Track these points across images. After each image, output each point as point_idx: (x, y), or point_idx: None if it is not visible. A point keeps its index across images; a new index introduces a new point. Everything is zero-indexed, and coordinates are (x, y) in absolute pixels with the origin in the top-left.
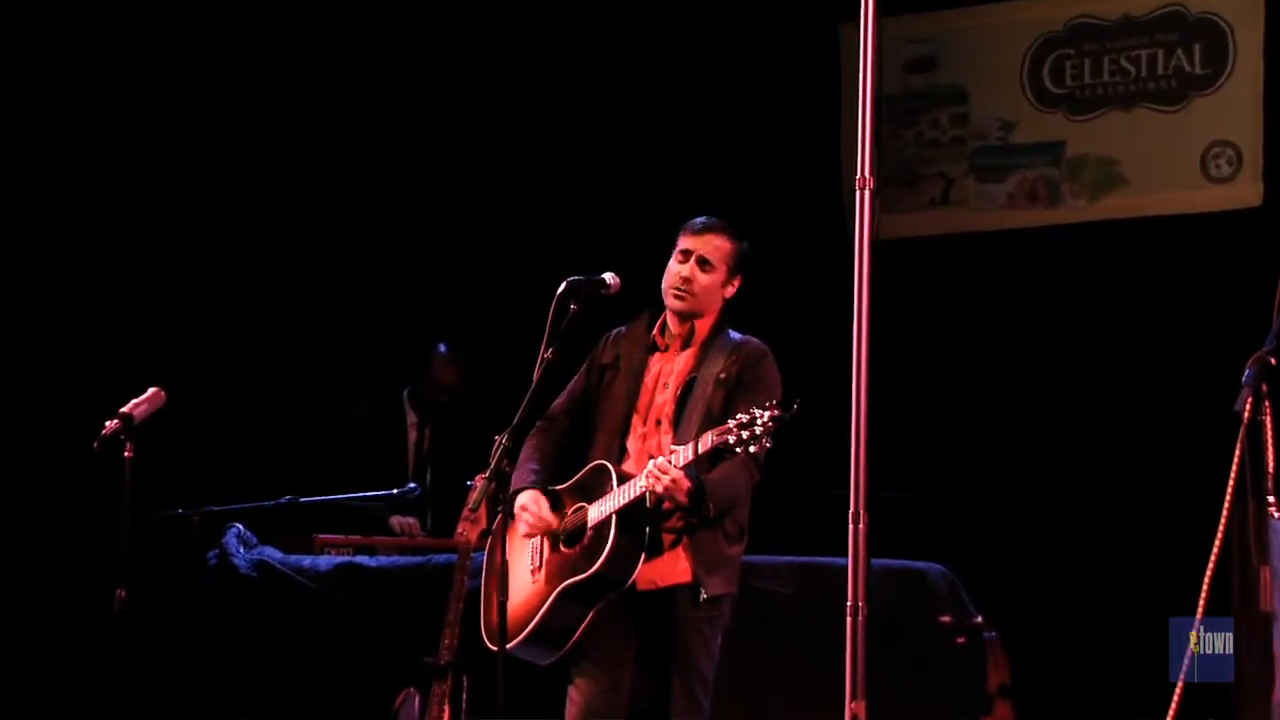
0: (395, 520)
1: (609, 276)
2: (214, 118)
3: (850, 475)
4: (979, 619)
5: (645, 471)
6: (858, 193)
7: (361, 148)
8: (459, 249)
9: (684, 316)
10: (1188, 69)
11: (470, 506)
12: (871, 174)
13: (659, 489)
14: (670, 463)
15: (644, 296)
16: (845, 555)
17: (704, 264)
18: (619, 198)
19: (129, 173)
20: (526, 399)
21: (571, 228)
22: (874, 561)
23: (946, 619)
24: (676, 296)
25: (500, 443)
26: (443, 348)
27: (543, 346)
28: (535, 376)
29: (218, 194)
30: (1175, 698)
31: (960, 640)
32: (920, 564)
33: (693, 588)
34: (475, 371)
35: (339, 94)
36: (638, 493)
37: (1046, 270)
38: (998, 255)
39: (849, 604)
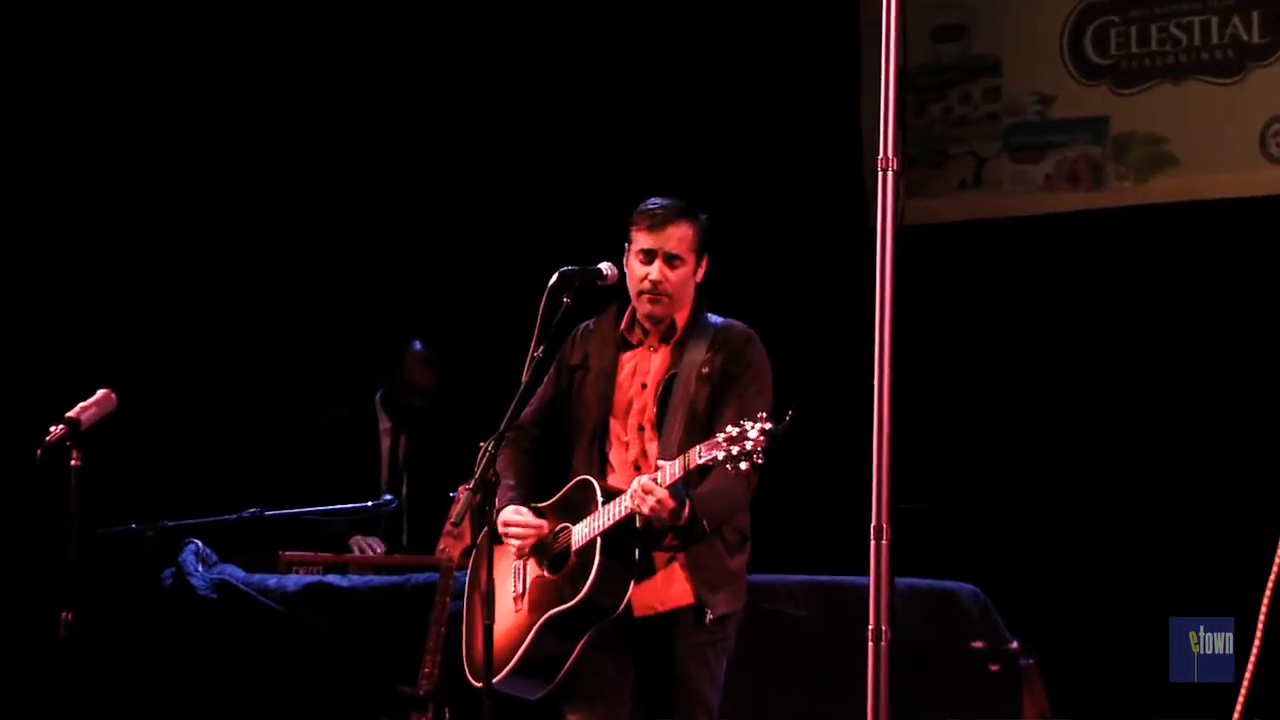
0: (356, 541)
1: (606, 267)
2: (168, 107)
3: (872, 485)
4: (1015, 644)
5: (630, 491)
6: (880, 175)
7: (327, 127)
8: (436, 235)
9: (660, 318)
10: (1245, 38)
11: (452, 520)
12: (895, 154)
13: (645, 510)
14: (656, 481)
15: None
16: (866, 574)
17: (672, 260)
18: (617, 182)
19: (78, 160)
20: (514, 402)
21: (566, 213)
22: (898, 581)
23: (979, 644)
24: (652, 303)
25: (485, 450)
26: (418, 345)
27: (532, 344)
28: (524, 378)
29: (172, 181)
30: (1239, 704)
31: (994, 668)
32: (949, 583)
33: (696, 609)
34: (455, 372)
35: (302, 76)
36: (624, 513)
37: (1088, 259)
38: (1034, 242)
39: (870, 628)
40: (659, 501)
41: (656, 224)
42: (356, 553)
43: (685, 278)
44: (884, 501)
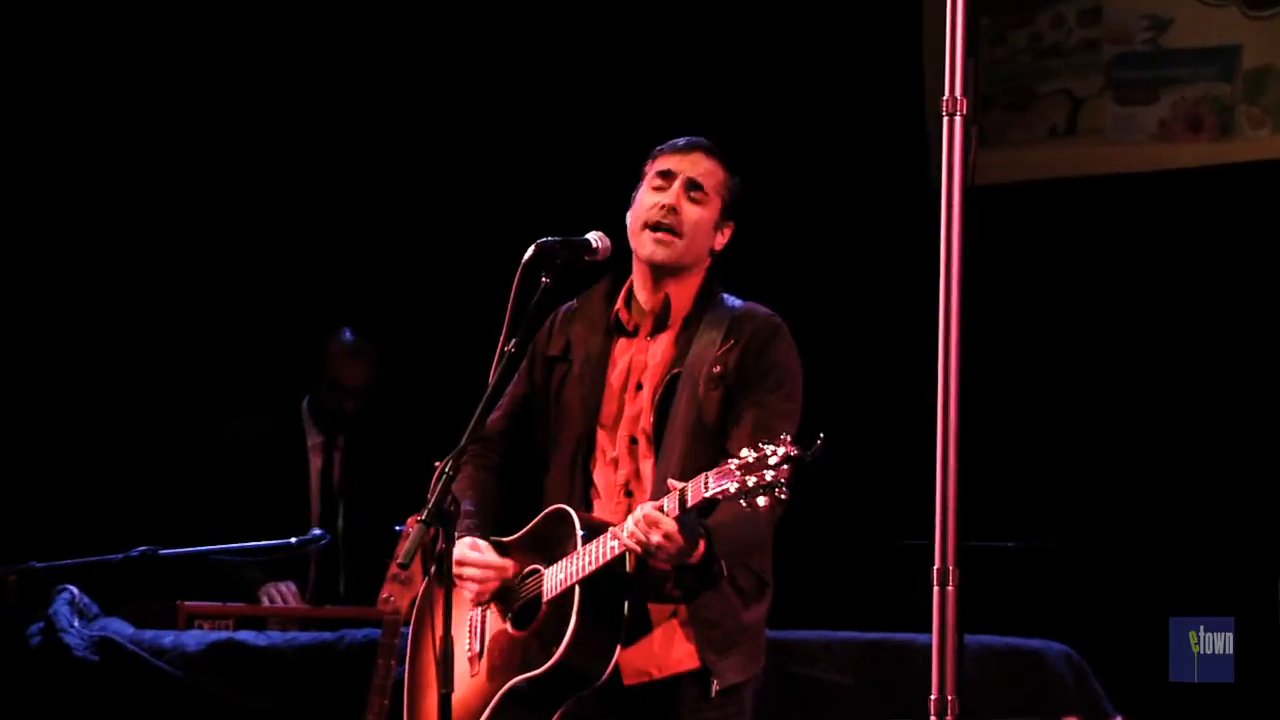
0: (265, 590)
1: (595, 237)
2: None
3: (935, 518)
4: (1118, 719)
5: (626, 529)
6: (945, 121)
7: (235, 79)
8: (373, 197)
9: (662, 273)
10: None
11: (400, 561)
12: (965, 95)
13: (654, 540)
14: (663, 510)
15: None
16: (928, 630)
17: (693, 189)
18: (615, 133)
19: None
20: (479, 410)
21: (558, 175)
22: (968, 639)
23: (1072, 719)
24: (658, 241)
25: (442, 470)
26: (348, 335)
27: (502, 335)
28: (492, 378)
29: (35, 161)
30: None
31: None
32: (1035, 642)
33: (701, 675)
34: (400, 370)
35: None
36: (611, 554)
37: (1214, 224)
38: (1145, 205)
39: (933, 698)
40: (666, 536)
41: (684, 148)
42: (266, 603)
43: (705, 222)
44: (950, 537)
